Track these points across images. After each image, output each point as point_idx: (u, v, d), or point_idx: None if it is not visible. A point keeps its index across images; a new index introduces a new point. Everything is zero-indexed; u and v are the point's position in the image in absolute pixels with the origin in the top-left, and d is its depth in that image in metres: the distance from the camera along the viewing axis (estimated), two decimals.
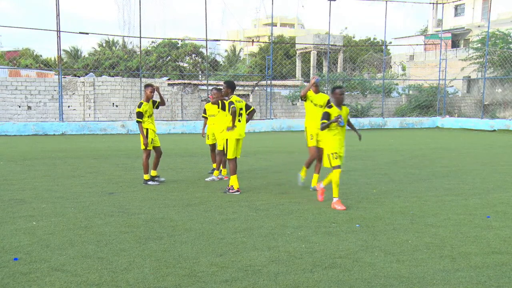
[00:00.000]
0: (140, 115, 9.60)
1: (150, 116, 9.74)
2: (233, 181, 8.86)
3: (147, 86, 9.73)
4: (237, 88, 29.85)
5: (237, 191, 8.80)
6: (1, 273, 4.75)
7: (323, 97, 9.10)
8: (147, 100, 9.72)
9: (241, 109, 9.01)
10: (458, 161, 13.33)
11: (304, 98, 9.07)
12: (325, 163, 7.94)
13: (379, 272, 4.84)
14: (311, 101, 9.02)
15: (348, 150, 16.01)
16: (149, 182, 9.63)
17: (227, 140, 8.94)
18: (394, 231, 6.35)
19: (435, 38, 44.39)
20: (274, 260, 5.18)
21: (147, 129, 9.66)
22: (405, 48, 46.23)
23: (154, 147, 9.85)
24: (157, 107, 9.90)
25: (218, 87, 10.48)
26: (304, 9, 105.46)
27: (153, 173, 9.82)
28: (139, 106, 9.63)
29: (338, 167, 7.73)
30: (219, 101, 9.39)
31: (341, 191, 9.06)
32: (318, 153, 8.97)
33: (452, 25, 48.18)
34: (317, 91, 9.12)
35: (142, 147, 9.71)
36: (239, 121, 8.98)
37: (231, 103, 8.83)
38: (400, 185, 9.71)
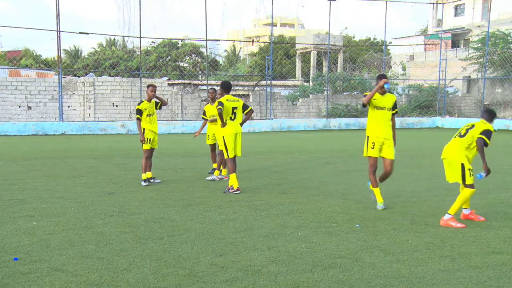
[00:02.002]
0: (138, 112, 9.70)
1: (149, 115, 9.77)
2: (233, 181, 8.85)
3: (148, 86, 9.89)
4: (237, 88, 29.95)
5: (237, 190, 8.80)
6: (1, 273, 4.74)
7: (390, 98, 7.74)
8: (149, 99, 9.81)
9: (235, 107, 9.03)
10: None
11: (366, 104, 7.73)
12: (457, 177, 6.83)
13: (379, 272, 4.84)
14: (374, 106, 7.67)
15: (348, 150, 16.06)
16: (142, 183, 9.61)
17: (224, 138, 8.97)
18: (394, 231, 6.35)
19: (435, 38, 44.38)
20: (274, 260, 5.18)
21: (144, 129, 9.72)
22: (405, 48, 46.21)
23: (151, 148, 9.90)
24: (159, 108, 10.01)
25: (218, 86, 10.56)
26: (304, 9, 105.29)
27: (148, 174, 9.81)
28: (139, 104, 9.78)
29: (472, 186, 6.78)
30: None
31: (341, 191, 9.08)
32: (377, 164, 7.76)
33: (452, 25, 48.18)
34: (383, 92, 7.71)
35: (143, 147, 9.76)
36: (231, 119, 9.01)
37: (219, 103, 8.89)
38: (400, 185, 9.70)
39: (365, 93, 7.78)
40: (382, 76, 7.72)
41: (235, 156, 9.07)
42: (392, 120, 7.86)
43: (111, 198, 8.33)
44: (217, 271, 4.83)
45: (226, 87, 9.19)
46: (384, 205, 7.62)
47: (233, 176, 8.86)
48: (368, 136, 7.74)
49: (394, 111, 7.82)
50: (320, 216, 7.13)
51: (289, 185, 9.69)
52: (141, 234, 6.12)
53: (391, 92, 7.88)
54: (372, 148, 7.67)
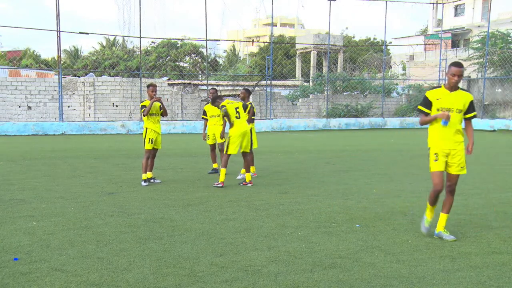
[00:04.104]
0: (142, 107, 9.86)
1: (152, 115, 9.79)
2: (221, 175, 9.40)
3: (148, 86, 9.93)
4: (237, 88, 29.96)
5: (220, 184, 9.37)
6: (1, 273, 4.74)
7: (461, 97, 5.90)
8: (150, 99, 9.82)
9: (237, 107, 9.66)
10: None
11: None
12: None
13: (379, 272, 4.84)
14: (437, 107, 5.92)
15: (349, 150, 16.06)
16: (142, 183, 9.61)
17: (229, 137, 9.60)
18: (394, 231, 6.35)
19: (435, 38, 44.36)
20: (274, 260, 5.18)
21: (146, 128, 9.75)
22: (405, 48, 46.20)
23: (154, 148, 9.91)
24: (162, 114, 10.02)
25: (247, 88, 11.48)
26: (304, 9, 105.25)
27: (148, 175, 9.81)
28: (142, 101, 10.02)
29: None
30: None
31: (341, 191, 9.09)
32: (443, 183, 5.98)
33: (452, 25, 48.18)
34: (452, 87, 5.90)
35: (145, 147, 9.77)
36: (237, 117, 9.62)
37: (222, 106, 9.61)
38: (400, 185, 9.70)
39: (420, 108, 6.04)
40: (452, 65, 5.82)
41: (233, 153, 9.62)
42: (467, 126, 6.13)
43: (111, 198, 8.33)
44: (217, 271, 4.83)
45: (220, 96, 10.13)
46: (429, 228, 6.15)
47: (222, 171, 9.42)
48: (429, 148, 6.08)
49: (469, 115, 5.99)
50: (320, 216, 7.13)
51: (289, 185, 9.69)
52: (141, 234, 6.12)
53: (467, 90, 6.06)
54: (435, 161, 5.97)
